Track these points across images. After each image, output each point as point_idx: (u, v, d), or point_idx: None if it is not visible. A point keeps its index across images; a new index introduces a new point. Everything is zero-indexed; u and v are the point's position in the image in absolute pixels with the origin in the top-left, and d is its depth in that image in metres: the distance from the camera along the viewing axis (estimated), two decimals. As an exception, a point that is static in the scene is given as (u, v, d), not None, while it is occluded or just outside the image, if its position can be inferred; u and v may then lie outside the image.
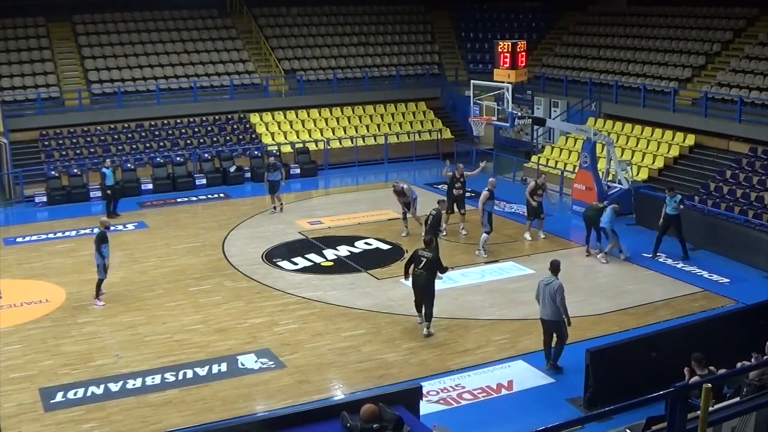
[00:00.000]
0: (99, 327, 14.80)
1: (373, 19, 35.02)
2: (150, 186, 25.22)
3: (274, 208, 22.53)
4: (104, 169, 22.46)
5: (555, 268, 12.58)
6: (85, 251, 19.39)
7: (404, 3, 35.79)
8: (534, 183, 19.96)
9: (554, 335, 12.66)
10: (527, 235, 19.85)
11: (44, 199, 23.92)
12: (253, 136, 28.70)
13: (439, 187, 24.44)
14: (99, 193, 24.42)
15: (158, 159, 26.19)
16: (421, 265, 14.12)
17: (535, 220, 19.87)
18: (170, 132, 28.04)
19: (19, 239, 20.44)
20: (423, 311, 14.35)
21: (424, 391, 10.77)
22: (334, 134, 29.59)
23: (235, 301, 15.96)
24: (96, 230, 16.16)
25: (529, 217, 19.98)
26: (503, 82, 20.81)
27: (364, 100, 31.13)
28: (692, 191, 22.00)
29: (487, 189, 18.74)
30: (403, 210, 20.12)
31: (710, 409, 6.10)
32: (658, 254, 18.36)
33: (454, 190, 20.24)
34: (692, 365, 10.07)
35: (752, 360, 10.08)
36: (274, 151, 23.75)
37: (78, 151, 26.30)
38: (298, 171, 27.37)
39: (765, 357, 10.08)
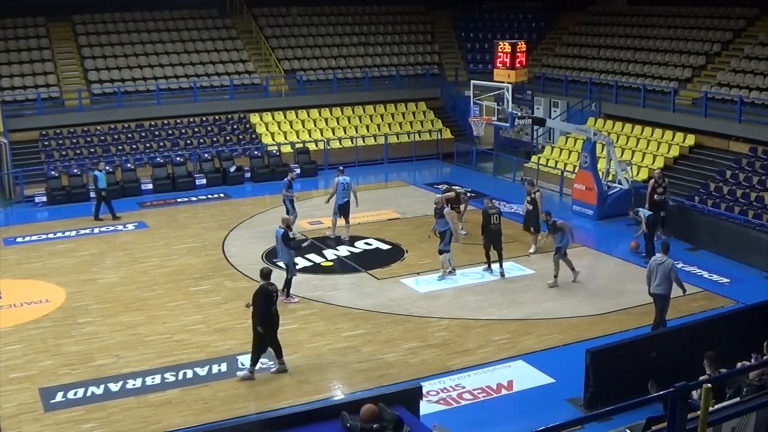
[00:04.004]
0: (99, 327, 14.79)
1: (373, 19, 35.00)
2: (150, 186, 25.19)
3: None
4: (96, 172, 22.29)
5: (666, 248, 13.89)
6: (85, 251, 19.48)
7: (404, 3, 35.77)
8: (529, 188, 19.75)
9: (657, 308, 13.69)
10: (532, 248, 18.88)
11: (44, 199, 23.89)
12: (253, 136, 28.69)
13: (438, 187, 24.37)
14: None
15: (158, 159, 26.17)
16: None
17: (533, 229, 18.98)
18: (170, 132, 28.03)
19: (19, 239, 20.43)
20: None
21: (424, 391, 10.76)
22: (334, 134, 29.58)
23: (235, 301, 15.93)
24: (280, 231, 15.71)
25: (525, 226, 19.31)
26: (503, 82, 20.82)
27: (364, 100, 31.10)
28: (692, 191, 22.00)
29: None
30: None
31: (710, 409, 6.10)
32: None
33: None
34: (704, 363, 10.08)
35: (752, 360, 10.09)
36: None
37: (78, 151, 26.29)
38: (298, 171, 27.33)
39: (765, 357, 10.08)
